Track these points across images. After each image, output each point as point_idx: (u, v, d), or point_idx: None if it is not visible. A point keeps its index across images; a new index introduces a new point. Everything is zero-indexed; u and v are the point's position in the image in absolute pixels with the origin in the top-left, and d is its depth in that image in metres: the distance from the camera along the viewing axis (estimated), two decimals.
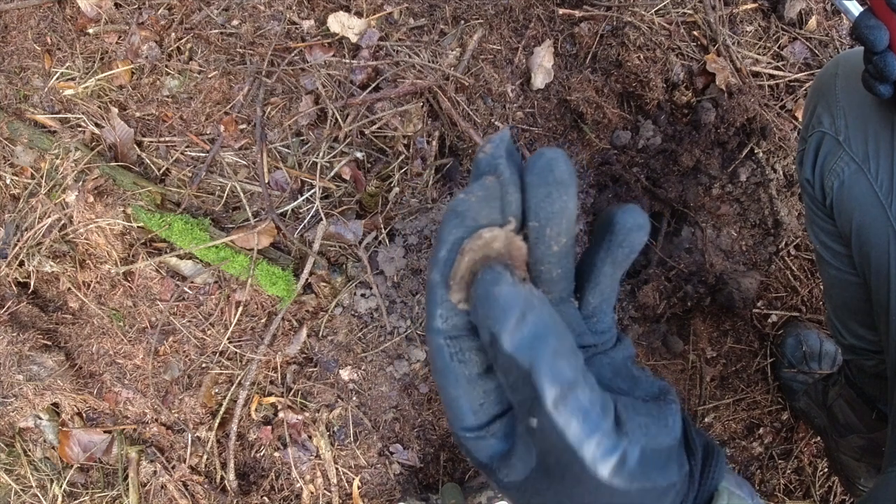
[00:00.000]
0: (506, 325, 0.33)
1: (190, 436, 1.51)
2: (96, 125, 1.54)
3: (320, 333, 1.47)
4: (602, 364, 0.42)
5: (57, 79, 1.57)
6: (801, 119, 1.55)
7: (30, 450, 1.54)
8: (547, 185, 0.36)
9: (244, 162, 1.53)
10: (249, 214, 1.51)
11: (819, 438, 1.57)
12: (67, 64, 1.58)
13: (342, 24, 1.52)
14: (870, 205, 0.90)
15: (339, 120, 1.49)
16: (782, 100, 1.57)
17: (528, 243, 0.38)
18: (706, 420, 1.58)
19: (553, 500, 0.38)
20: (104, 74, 1.55)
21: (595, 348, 0.42)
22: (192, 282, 1.50)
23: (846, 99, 0.94)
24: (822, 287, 1.58)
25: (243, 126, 1.53)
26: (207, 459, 1.50)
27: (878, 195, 0.89)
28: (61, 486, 1.51)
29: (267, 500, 1.47)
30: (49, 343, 1.52)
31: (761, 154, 1.54)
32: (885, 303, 0.90)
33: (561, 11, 1.55)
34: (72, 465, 1.53)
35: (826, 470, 1.59)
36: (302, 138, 1.52)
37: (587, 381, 0.35)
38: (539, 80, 1.52)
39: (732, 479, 0.43)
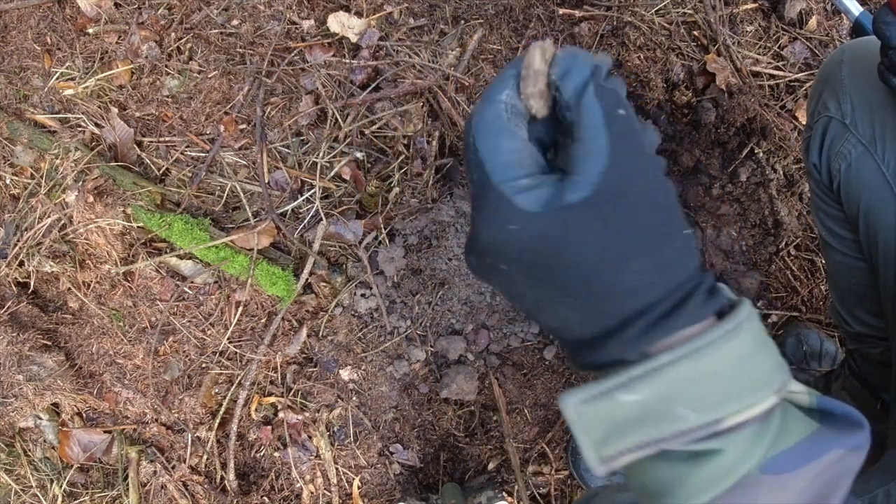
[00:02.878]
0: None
1: (190, 436, 1.51)
2: (96, 125, 1.54)
3: (320, 333, 1.47)
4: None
5: (57, 79, 1.57)
6: (805, 114, 1.55)
7: (30, 450, 1.54)
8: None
9: (244, 162, 1.53)
10: (249, 214, 1.51)
11: None
12: (67, 64, 1.58)
13: (342, 23, 1.52)
14: (877, 186, 0.91)
15: (339, 120, 1.49)
16: (782, 100, 1.57)
17: None
18: None
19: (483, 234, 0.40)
20: (104, 74, 1.55)
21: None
22: (192, 282, 1.50)
23: (852, 84, 0.95)
24: (824, 285, 1.57)
25: (243, 126, 1.53)
26: (207, 459, 1.50)
27: (885, 176, 0.90)
28: (61, 486, 1.51)
29: (267, 500, 1.47)
30: (49, 343, 1.52)
31: (761, 154, 1.54)
32: (892, 284, 0.91)
33: (561, 11, 1.55)
34: (72, 465, 1.52)
35: None
36: (302, 138, 1.52)
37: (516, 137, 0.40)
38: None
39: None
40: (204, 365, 1.50)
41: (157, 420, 1.52)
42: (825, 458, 0.41)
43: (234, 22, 1.57)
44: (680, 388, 0.38)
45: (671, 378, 0.38)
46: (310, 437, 1.47)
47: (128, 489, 1.49)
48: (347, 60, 1.51)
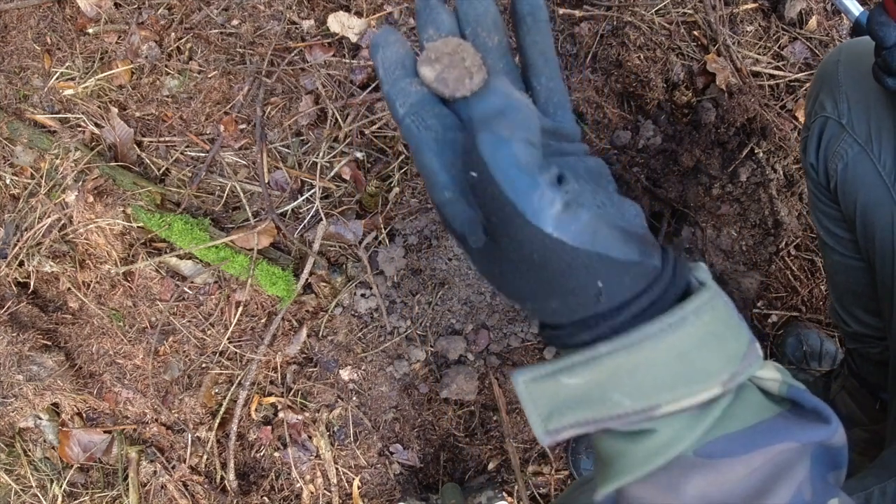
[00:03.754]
0: (482, 99, 0.39)
1: (190, 436, 1.51)
2: (96, 125, 1.54)
3: (320, 333, 1.47)
4: (576, 164, 0.43)
5: (57, 79, 1.57)
6: (804, 109, 1.55)
7: (30, 450, 1.54)
8: (468, 0, 0.43)
9: (244, 162, 1.53)
10: (249, 214, 1.51)
11: None
12: (67, 64, 1.58)
13: (342, 23, 1.52)
14: (874, 185, 0.91)
15: (339, 120, 1.49)
16: (782, 100, 1.57)
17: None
18: None
19: (510, 266, 0.40)
20: (104, 74, 1.55)
21: (560, 145, 0.44)
22: (192, 282, 1.50)
23: (848, 84, 0.95)
24: (824, 285, 1.57)
25: (243, 126, 1.53)
26: (207, 459, 1.50)
27: (881, 176, 0.90)
28: (61, 486, 1.51)
29: (267, 500, 1.47)
30: (49, 343, 1.52)
31: (761, 154, 1.54)
32: (890, 283, 0.91)
33: (561, 11, 1.55)
34: (72, 465, 1.52)
35: None
36: (302, 138, 1.52)
37: (528, 145, 0.37)
38: None
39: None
40: (204, 365, 1.50)
41: (157, 420, 1.52)
42: (774, 448, 0.41)
43: (234, 22, 1.57)
44: (617, 377, 0.40)
45: (609, 367, 0.40)
46: (310, 437, 1.47)
47: (128, 489, 1.49)
48: (347, 60, 1.51)
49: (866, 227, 0.93)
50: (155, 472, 1.50)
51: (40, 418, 1.53)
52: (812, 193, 1.05)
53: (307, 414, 1.47)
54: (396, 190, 1.47)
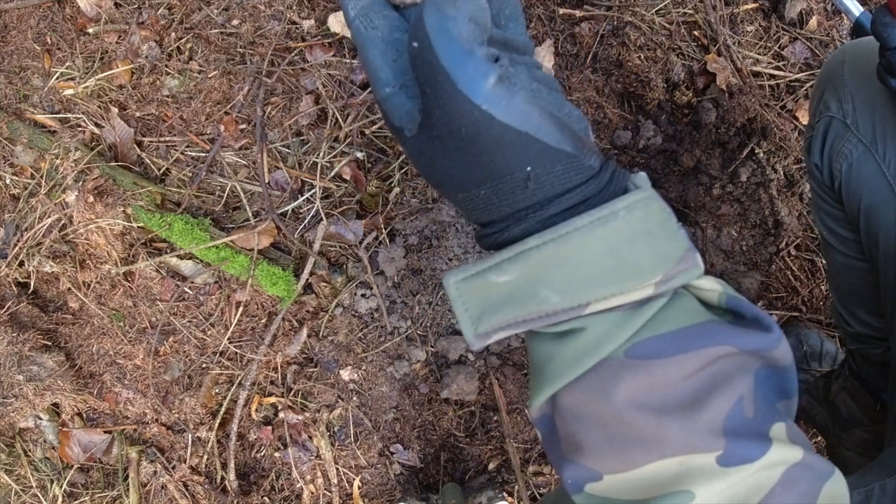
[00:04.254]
0: None
1: (190, 436, 1.50)
2: (96, 125, 1.54)
3: (320, 333, 1.47)
4: (524, 70, 0.42)
5: (57, 79, 1.57)
6: (806, 114, 1.55)
7: (30, 450, 1.54)
8: None
9: (244, 162, 1.53)
10: (249, 214, 1.51)
11: (820, 437, 1.57)
12: (67, 64, 1.58)
13: (342, 23, 1.52)
14: (878, 186, 0.91)
15: (340, 120, 1.49)
16: (783, 100, 1.57)
17: None
18: None
19: (441, 147, 0.39)
20: (104, 74, 1.55)
21: (511, 57, 0.43)
22: (192, 282, 1.50)
23: (853, 84, 0.95)
24: (824, 285, 1.57)
25: (243, 126, 1.53)
26: (208, 460, 1.50)
27: (886, 176, 0.90)
28: (61, 487, 1.51)
29: (267, 500, 1.47)
30: (49, 343, 1.52)
31: (762, 154, 1.54)
32: (893, 284, 0.91)
33: (561, 11, 1.55)
34: (72, 466, 1.52)
35: None
36: (302, 138, 1.52)
37: (469, 21, 0.37)
38: None
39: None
40: (204, 365, 1.50)
41: (157, 420, 1.52)
42: (706, 351, 0.40)
43: (235, 22, 1.57)
44: (546, 272, 0.39)
45: (537, 261, 0.39)
46: (310, 438, 1.47)
47: (128, 489, 1.49)
48: (348, 60, 1.51)
49: (870, 227, 0.93)
50: (155, 472, 1.50)
51: (40, 418, 1.53)
52: (815, 193, 1.05)
53: (307, 414, 1.47)
54: (397, 190, 1.47)
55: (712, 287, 0.43)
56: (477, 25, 0.37)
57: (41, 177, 1.50)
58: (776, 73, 1.57)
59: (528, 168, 0.39)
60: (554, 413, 0.44)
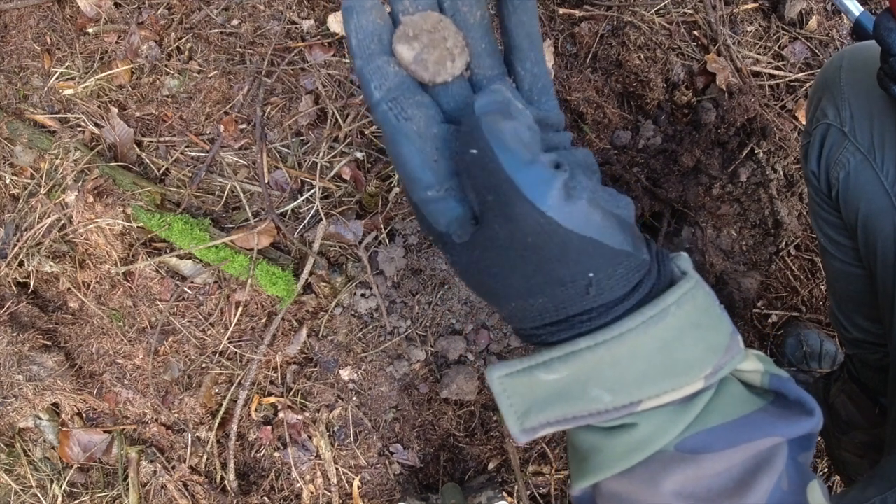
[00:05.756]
0: (481, 96, 0.37)
1: (190, 436, 1.51)
2: (96, 125, 1.54)
3: (320, 333, 1.47)
4: (566, 155, 0.41)
5: (57, 78, 1.57)
6: (804, 115, 1.55)
7: (30, 450, 1.54)
8: None
9: (244, 162, 1.53)
10: (249, 214, 1.51)
11: (820, 438, 1.57)
12: (67, 64, 1.58)
13: (342, 23, 1.52)
14: (876, 194, 0.90)
15: (339, 120, 1.49)
16: (783, 100, 1.57)
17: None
18: None
19: (498, 258, 0.38)
20: (104, 74, 1.55)
21: (546, 135, 0.42)
22: (192, 282, 1.50)
23: (851, 91, 0.94)
24: (824, 285, 1.57)
25: (243, 126, 1.53)
26: (207, 459, 1.50)
27: (884, 185, 0.90)
28: (61, 486, 1.51)
29: (267, 500, 1.47)
30: (49, 343, 1.52)
31: (761, 154, 1.54)
32: (891, 292, 0.90)
33: (561, 11, 1.55)
34: (72, 465, 1.52)
35: (826, 469, 1.59)
36: (302, 138, 1.52)
37: (530, 128, 0.36)
38: None
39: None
40: (204, 365, 1.50)
41: (157, 420, 1.52)
42: (755, 444, 0.40)
43: (234, 22, 1.57)
44: (597, 371, 0.39)
45: (588, 361, 0.39)
46: (310, 437, 1.47)
47: (128, 489, 1.49)
48: (347, 60, 1.51)
49: (868, 236, 0.93)
50: (155, 472, 1.50)
51: (40, 418, 1.53)
52: (813, 200, 1.05)
53: (307, 414, 1.47)
54: (396, 190, 1.47)
55: (755, 368, 0.43)
56: (534, 132, 0.36)
57: (41, 177, 1.50)
58: (776, 73, 1.57)
59: (591, 274, 0.38)
60: (596, 495, 0.44)
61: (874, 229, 0.91)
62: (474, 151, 0.36)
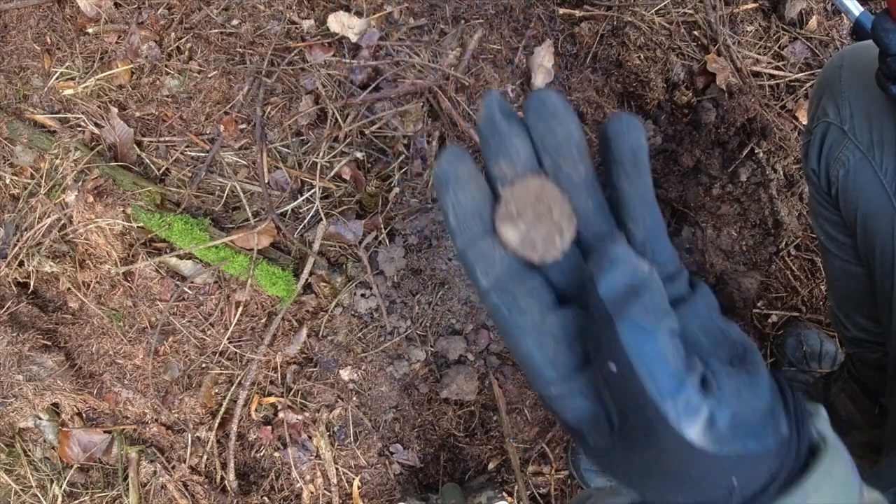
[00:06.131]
0: (604, 272, 0.33)
1: (190, 436, 1.51)
2: (96, 125, 1.54)
3: (320, 333, 1.47)
4: (687, 318, 0.38)
5: (56, 78, 1.57)
6: (805, 115, 1.55)
7: (30, 450, 1.54)
8: (545, 119, 0.36)
9: (244, 162, 1.53)
10: (249, 214, 1.51)
11: None
12: (67, 64, 1.58)
13: (342, 23, 1.52)
14: (875, 193, 0.91)
15: (339, 120, 1.49)
16: (783, 100, 1.57)
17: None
18: None
19: (639, 466, 0.35)
20: (104, 74, 1.55)
21: (672, 290, 0.39)
22: (192, 282, 1.50)
23: (851, 90, 0.94)
24: (824, 285, 1.57)
25: (243, 126, 1.53)
26: (207, 459, 1.50)
27: (883, 183, 0.90)
28: (61, 486, 1.51)
29: (267, 500, 1.47)
30: (49, 343, 1.52)
31: (762, 154, 1.54)
32: (889, 291, 0.90)
33: (561, 11, 1.55)
34: (72, 465, 1.52)
35: None
36: (302, 138, 1.52)
37: (672, 336, 0.33)
38: (539, 80, 1.52)
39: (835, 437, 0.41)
40: (204, 365, 1.50)
41: (157, 420, 1.52)
42: None
43: (234, 22, 1.57)
44: None
45: None
46: (310, 437, 1.47)
47: (128, 489, 1.49)
48: (347, 60, 1.51)
49: (867, 234, 0.93)
50: (155, 472, 1.50)
51: (40, 418, 1.53)
52: (813, 199, 1.05)
53: (307, 414, 1.47)
54: (396, 190, 1.47)
55: None
56: (676, 336, 0.33)
57: (41, 177, 1.50)
58: (776, 73, 1.57)
59: (734, 481, 0.35)
60: None
61: (873, 228, 0.91)
62: (613, 367, 0.33)
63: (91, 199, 1.43)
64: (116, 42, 1.57)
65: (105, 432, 1.52)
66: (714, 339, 0.38)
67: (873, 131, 0.91)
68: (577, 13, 1.54)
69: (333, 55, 1.52)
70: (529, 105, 0.37)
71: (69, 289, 1.50)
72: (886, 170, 0.89)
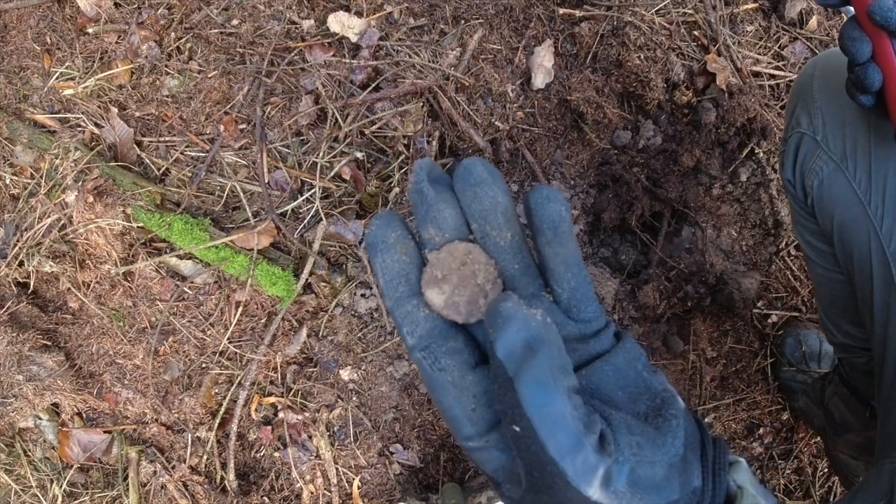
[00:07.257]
0: (499, 330, 0.34)
1: (190, 436, 1.51)
2: (96, 125, 1.54)
3: (320, 333, 1.47)
4: (604, 372, 0.40)
5: (56, 78, 1.57)
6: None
7: (30, 450, 1.54)
8: (471, 187, 0.38)
9: (244, 162, 1.53)
10: (249, 214, 1.51)
11: (819, 438, 1.57)
12: (67, 64, 1.58)
13: (342, 23, 1.52)
14: (850, 203, 0.90)
15: (339, 120, 1.49)
16: (783, 100, 1.57)
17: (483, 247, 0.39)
18: (706, 420, 1.58)
19: None
20: (104, 74, 1.55)
21: (587, 346, 0.41)
22: (192, 282, 1.50)
23: (823, 99, 0.94)
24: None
25: (243, 126, 1.53)
26: (207, 459, 1.50)
27: (857, 193, 0.89)
28: (61, 486, 1.51)
29: (267, 500, 1.47)
30: (49, 343, 1.52)
31: (761, 154, 1.54)
32: (869, 298, 0.90)
33: (561, 11, 1.55)
34: (72, 465, 1.53)
35: (826, 470, 1.59)
36: (302, 138, 1.52)
37: (571, 397, 0.34)
38: (539, 80, 1.52)
39: (756, 486, 0.42)
40: (204, 365, 1.50)
41: (157, 420, 1.52)
42: None
43: (234, 22, 1.57)
44: None
45: None
46: (310, 437, 1.47)
47: (128, 489, 1.49)
48: (347, 60, 1.51)
49: (844, 243, 0.92)
50: (155, 472, 1.50)
51: (40, 418, 1.53)
52: (792, 208, 1.05)
53: (307, 414, 1.47)
54: (396, 190, 1.47)
55: None
56: (575, 393, 0.35)
57: (41, 177, 1.50)
58: (776, 73, 1.57)
59: None
60: None
61: (849, 237, 0.91)
62: (517, 429, 0.34)
63: (91, 199, 1.43)
64: (116, 42, 1.57)
65: (105, 432, 1.52)
66: (631, 392, 0.40)
67: (846, 140, 0.90)
68: (577, 13, 1.54)
69: (333, 55, 1.52)
70: (457, 174, 0.39)
71: (69, 289, 1.50)
72: (860, 179, 0.89)
